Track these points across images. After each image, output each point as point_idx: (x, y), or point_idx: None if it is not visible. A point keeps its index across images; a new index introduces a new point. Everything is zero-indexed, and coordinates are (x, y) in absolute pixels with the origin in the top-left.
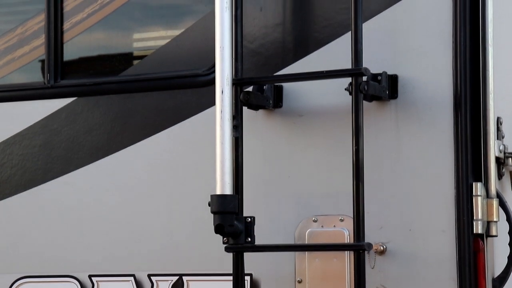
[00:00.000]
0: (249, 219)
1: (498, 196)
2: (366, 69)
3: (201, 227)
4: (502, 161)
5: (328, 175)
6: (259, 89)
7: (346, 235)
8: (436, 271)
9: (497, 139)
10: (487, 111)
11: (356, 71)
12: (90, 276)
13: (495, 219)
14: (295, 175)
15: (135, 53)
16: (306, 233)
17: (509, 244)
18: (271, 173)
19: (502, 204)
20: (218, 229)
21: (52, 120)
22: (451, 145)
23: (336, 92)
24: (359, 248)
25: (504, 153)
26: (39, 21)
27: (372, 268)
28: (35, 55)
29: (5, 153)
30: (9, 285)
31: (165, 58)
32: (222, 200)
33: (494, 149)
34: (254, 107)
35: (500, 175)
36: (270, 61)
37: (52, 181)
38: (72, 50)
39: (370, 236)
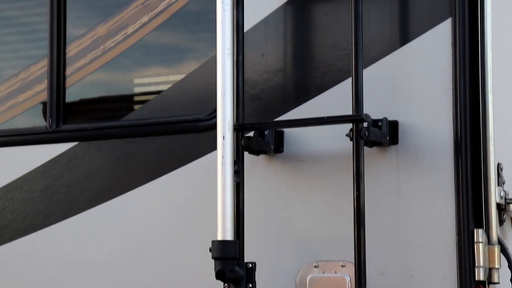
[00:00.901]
0: (250, 265)
1: (500, 242)
2: (366, 115)
3: (202, 273)
4: (503, 207)
5: (329, 220)
6: (260, 134)
7: (348, 281)
8: None
9: (498, 185)
10: (487, 157)
11: (357, 117)
12: None
13: (496, 266)
14: (296, 220)
15: (137, 98)
16: (308, 279)
17: None
18: (272, 218)
19: (504, 250)
20: (219, 275)
21: (54, 164)
22: (452, 191)
23: (337, 138)
24: None
25: (505, 199)
26: (42, 66)
27: None
28: (38, 100)
29: (6, 197)
30: None
31: (167, 103)
32: (223, 246)
33: (495, 195)
34: (255, 152)
35: (501, 221)
36: (271, 106)
37: (53, 225)
38: (74, 95)
39: (371, 282)
